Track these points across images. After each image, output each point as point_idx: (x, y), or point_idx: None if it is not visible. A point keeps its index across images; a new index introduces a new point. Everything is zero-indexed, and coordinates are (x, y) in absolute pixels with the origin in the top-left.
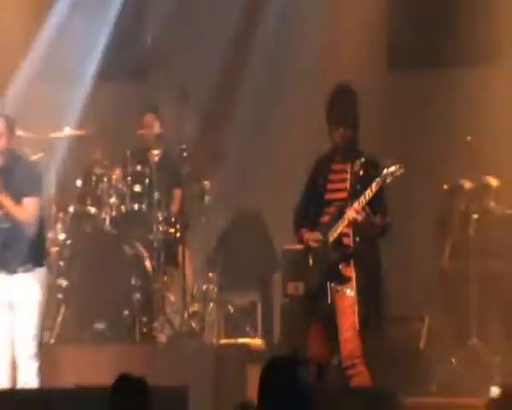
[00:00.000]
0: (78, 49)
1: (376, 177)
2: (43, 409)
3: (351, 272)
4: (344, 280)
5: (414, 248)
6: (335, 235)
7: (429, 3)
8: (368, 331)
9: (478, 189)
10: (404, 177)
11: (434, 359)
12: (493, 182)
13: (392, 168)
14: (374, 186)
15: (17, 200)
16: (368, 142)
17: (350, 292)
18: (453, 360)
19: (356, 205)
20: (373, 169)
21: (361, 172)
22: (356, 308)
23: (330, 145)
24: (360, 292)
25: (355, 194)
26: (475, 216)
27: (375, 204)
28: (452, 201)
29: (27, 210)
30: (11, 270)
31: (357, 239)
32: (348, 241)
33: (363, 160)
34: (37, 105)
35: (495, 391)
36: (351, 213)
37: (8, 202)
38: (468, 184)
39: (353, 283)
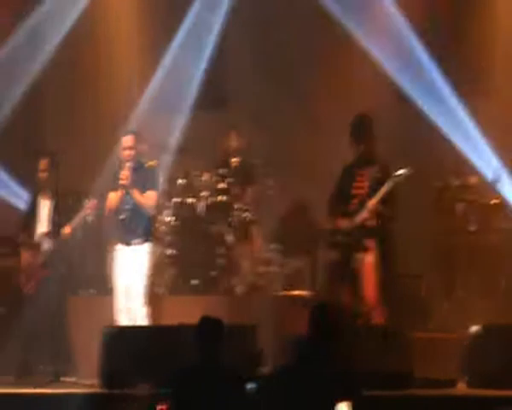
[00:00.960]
0: (180, 83)
1: (389, 178)
2: (154, 341)
3: (372, 244)
4: (366, 249)
5: (416, 227)
6: (360, 219)
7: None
8: (384, 285)
9: (462, 185)
10: (411, 176)
11: (431, 304)
12: (473, 180)
13: (401, 171)
14: (387, 185)
15: (142, 192)
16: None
17: (371, 258)
18: (445, 305)
19: (375, 198)
20: (385, 172)
21: (377, 175)
22: (376, 270)
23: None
24: (378, 259)
25: (373, 190)
26: (461, 204)
27: (388, 198)
28: (444, 192)
29: (149, 199)
30: (127, 242)
31: (376, 222)
32: (369, 222)
33: (377, 166)
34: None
35: (474, 329)
36: (371, 204)
37: (137, 194)
38: (456, 182)
39: (373, 251)
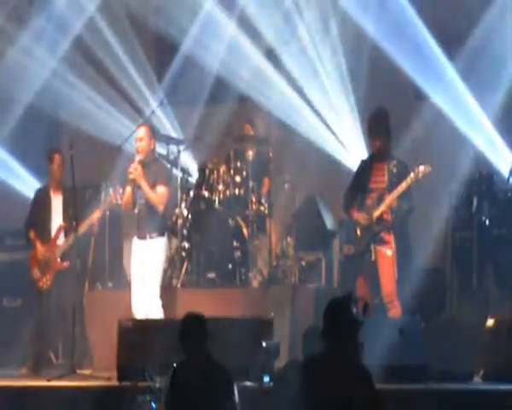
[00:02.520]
0: (196, 75)
1: (406, 173)
2: (170, 334)
3: (390, 237)
4: (384, 243)
5: (432, 222)
6: (378, 213)
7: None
8: (401, 278)
9: (478, 180)
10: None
11: (448, 297)
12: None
13: (422, 168)
14: (409, 179)
15: (152, 187)
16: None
17: (389, 252)
18: (461, 298)
19: (395, 193)
20: (403, 168)
21: (394, 170)
22: (394, 263)
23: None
24: (396, 252)
25: (391, 185)
26: (476, 198)
27: (405, 193)
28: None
29: (158, 196)
30: (142, 236)
31: (394, 216)
32: (387, 216)
33: (395, 161)
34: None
35: (490, 322)
36: (390, 198)
37: (146, 188)
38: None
39: (391, 245)
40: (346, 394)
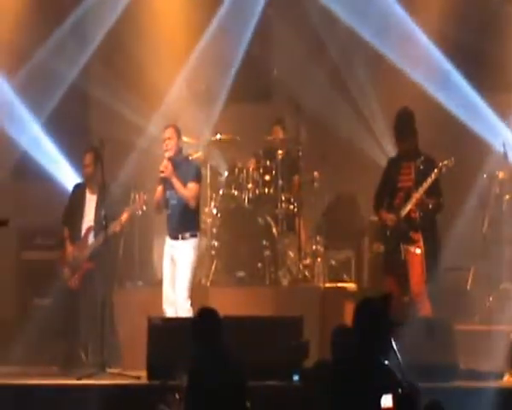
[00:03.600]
0: (225, 75)
1: (433, 170)
2: None
3: (418, 236)
4: (413, 242)
5: (463, 220)
6: (405, 211)
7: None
8: (430, 278)
9: (509, 177)
10: (457, 168)
11: (477, 297)
12: None
13: (446, 162)
14: (433, 175)
15: (183, 185)
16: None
17: (418, 250)
18: (490, 298)
19: (420, 189)
20: (430, 164)
21: (421, 167)
22: (422, 262)
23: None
24: (425, 250)
25: (418, 182)
26: (507, 197)
27: (433, 190)
28: (490, 186)
29: (190, 191)
30: (174, 236)
31: (421, 214)
32: (415, 215)
33: (422, 158)
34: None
35: None
36: (415, 196)
37: (178, 184)
38: (501, 174)
39: (420, 243)
40: (375, 395)
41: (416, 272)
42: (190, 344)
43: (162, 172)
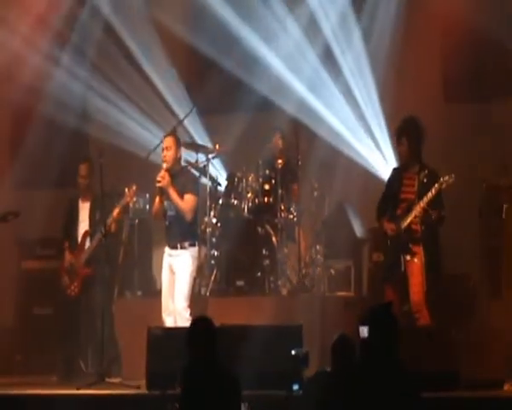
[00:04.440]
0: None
1: (435, 183)
2: None
3: (418, 248)
4: (413, 254)
5: (464, 229)
6: (406, 223)
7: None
8: (430, 287)
9: (508, 186)
10: (457, 180)
11: (477, 305)
12: None
13: (446, 177)
14: (433, 190)
15: (180, 196)
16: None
17: (417, 261)
18: (491, 305)
19: (421, 203)
20: (433, 178)
21: (425, 180)
22: (422, 271)
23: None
24: (425, 261)
25: (420, 195)
26: (506, 205)
27: (435, 202)
28: (490, 195)
29: (187, 203)
30: (172, 246)
31: (423, 226)
32: (416, 227)
33: (426, 172)
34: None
35: None
36: (417, 209)
37: (174, 195)
38: (501, 182)
39: (420, 255)
40: (388, 405)
41: (416, 283)
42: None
43: (159, 181)
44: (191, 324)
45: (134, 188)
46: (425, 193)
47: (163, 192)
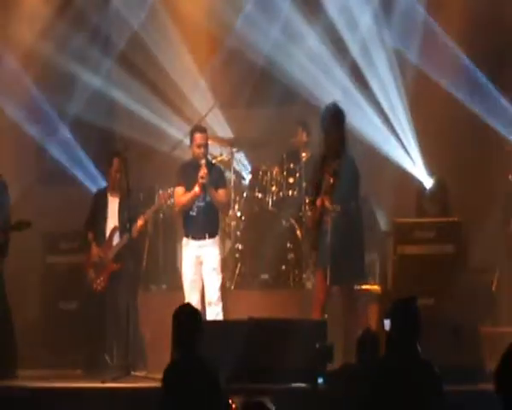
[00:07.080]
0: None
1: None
2: (224, 335)
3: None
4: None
5: (489, 222)
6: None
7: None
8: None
9: None
10: (484, 170)
11: (502, 299)
12: None
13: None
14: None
15: (215, 190)
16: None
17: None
18: None
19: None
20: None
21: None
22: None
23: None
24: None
25: None
26: None
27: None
28: None
29: (226, 197)
30: (200, 237)
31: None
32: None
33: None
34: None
35: None
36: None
37: (213, 190)
38: None
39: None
40: (411, 398)
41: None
42: (213, 346)
43: (202, 177)
44: (175, 312)
45: (169, 191)
46: None
47: (205, 188)
